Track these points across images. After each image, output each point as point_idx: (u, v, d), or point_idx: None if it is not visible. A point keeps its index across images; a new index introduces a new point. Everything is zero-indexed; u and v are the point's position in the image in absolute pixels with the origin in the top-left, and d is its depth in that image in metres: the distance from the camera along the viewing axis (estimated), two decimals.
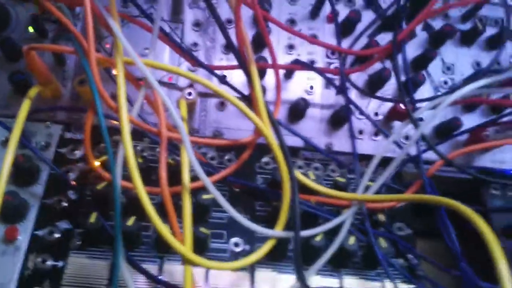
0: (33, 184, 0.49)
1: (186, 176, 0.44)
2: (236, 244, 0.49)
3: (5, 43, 0.53)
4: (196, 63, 0.52)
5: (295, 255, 0.42)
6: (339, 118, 0.56)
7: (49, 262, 0.45)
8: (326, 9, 0.60)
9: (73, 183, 0.49)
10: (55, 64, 0.55)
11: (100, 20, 0.45)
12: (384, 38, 0.60)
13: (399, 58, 0.57)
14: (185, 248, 0.42)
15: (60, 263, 0.46)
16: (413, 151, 0.55)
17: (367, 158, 0.55)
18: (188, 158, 0.45)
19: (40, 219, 0.48)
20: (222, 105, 0.57)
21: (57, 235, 0.47)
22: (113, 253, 0.46)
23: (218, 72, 0.54)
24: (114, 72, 0.54)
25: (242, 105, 0.46)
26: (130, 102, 0.50)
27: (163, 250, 0.48)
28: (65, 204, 0.49)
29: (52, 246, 0.46)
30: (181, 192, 0.44)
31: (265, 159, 0.55)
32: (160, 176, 0.43)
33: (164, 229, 0.41)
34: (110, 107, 0.43)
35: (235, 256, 0.49)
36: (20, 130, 0.45)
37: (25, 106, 0.46)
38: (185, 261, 0.42)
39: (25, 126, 0.48)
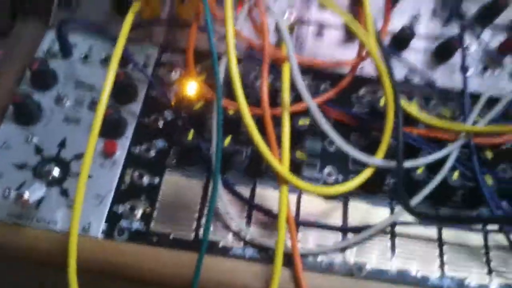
0: (131, 103, 0.50)
1: (286, 96, 0.43)
2: (330, 174, 0.48)
3: None
4: None
5: (398, 183, 0.40)
6: (446, 51, 0.52)
7: (145, 178, 0.46)
8: None
9: (172, 102, 0.49)
10: None
11: None
12: None
13: None
14: (283, 167, 0.41)
15: (156, 180, 0.46)
16: None
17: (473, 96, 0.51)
18: (288, 77, 0.43)
19: (136, 137, 0.48)
20: (319, 34, 0.54)
21: (153, 153, 0.47)
22: (210, 174, 0.46)
23: None
24: None
25: (350, 19, 0.43)
26: None
27: (255, 175, 0.47)
28: (161, 123, 0.49)
29: (148, 163, 0.47)
30: (280, 113, 0.43)
31: (362, 91, 0.52)
32: (261, 94, 0.41)
33: (264, 147, 0.41)
34: (214, 18, 0.42)
35: (328, 185, 0.47)
36: (123, 44, 0.45)
37: (128, 20, 0.46)
38: (282, 181, 0.41)
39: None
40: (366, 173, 0.43)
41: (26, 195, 0.40)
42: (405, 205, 0.41)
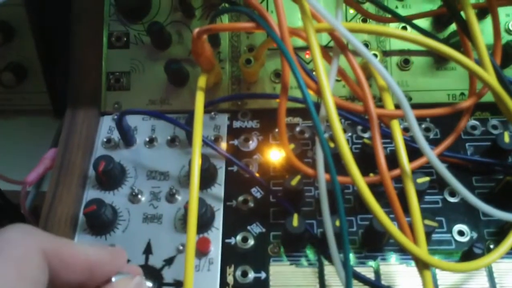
0: (212, 186, 0.44)
1: (404, 158, 0.36)
2: (461, 233, 0.40)
3: (154, 28, 0.47)
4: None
5: None
6: None
7: (251, 275, 0.40)
8: None
9: (257, 174, 0.43)
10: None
11: None
12: None
13: None
14: (422, 250, 0.34)
15: (262, 275, 0.40)
16: None
17: None
18: (401, 136, 0.36)
19: (228, 226, 0.42)
20: (405, 63, 0.47)
21: (251, 241, 0.41)
22: (320, 257, 0.40)
23: None
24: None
25: (457, 54, 0.35)
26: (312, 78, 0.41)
27: (371, 250, 0.40)
28: (251, 203, 0.43)
29: (249, 255, 0.41)
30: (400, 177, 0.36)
31: (471, 123, 0.45)
32: (378, 160, 0.34)
33: (394, 229, 0.34)
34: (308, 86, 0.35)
35: (462, 246, 0.40)
36: (201, 126, 0.39)
37: (200, 98, 0.40)
38: (422, 266, 0.34)
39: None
40: None
41: None
42: None
